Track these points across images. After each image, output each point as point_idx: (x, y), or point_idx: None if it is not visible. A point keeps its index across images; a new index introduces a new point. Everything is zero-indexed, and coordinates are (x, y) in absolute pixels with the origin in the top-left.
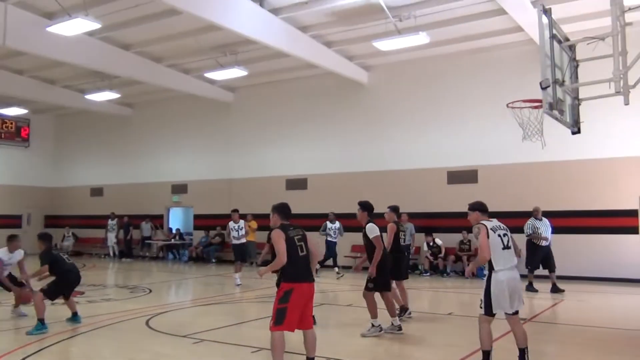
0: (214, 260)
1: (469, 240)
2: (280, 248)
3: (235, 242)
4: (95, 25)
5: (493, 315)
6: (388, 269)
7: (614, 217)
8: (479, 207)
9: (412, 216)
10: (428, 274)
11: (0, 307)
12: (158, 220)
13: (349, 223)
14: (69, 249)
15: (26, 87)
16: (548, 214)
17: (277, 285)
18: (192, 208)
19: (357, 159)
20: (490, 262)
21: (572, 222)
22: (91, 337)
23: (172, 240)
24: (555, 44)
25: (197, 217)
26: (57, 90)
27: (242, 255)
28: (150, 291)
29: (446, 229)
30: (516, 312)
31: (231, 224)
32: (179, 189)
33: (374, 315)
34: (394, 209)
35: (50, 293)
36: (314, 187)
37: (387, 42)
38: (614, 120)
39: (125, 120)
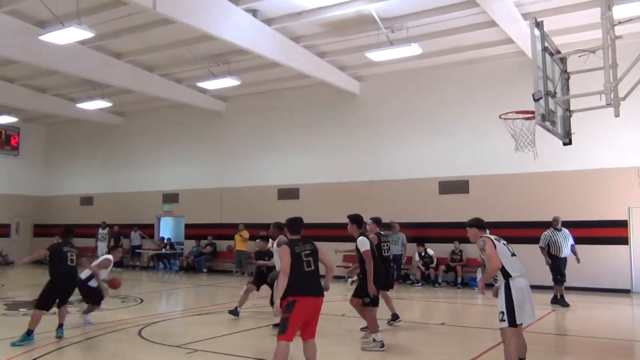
0: (205, 270)
1: (461, 251)
2: (284, 264)
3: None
4: (88, 34)
5: (517, 326)
6: (379, 285)
7: (603, 228)
8: (476, 224)
9: (404, 226)
10: (420, 284)
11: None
12: (149, 230)
13: (342, 233)
14: None
15: (17, 96)
16: (540, 224)
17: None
18: (183, 217)
19: (350, 169)
20: (504, 271)
21: None
22: (83, 348)
23: (163, 249)
24: (547, 56)
25: (188, 226)
26: (48, 98)
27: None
28: (142, 301)
29: (438, 239)
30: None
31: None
32: (170, 198)
33: (374, 329)
34: (376, 221)
35: (42, 304)
36: (306, 197)
37: (379, 53)
38: (605, 131)
39: (116, 129)
